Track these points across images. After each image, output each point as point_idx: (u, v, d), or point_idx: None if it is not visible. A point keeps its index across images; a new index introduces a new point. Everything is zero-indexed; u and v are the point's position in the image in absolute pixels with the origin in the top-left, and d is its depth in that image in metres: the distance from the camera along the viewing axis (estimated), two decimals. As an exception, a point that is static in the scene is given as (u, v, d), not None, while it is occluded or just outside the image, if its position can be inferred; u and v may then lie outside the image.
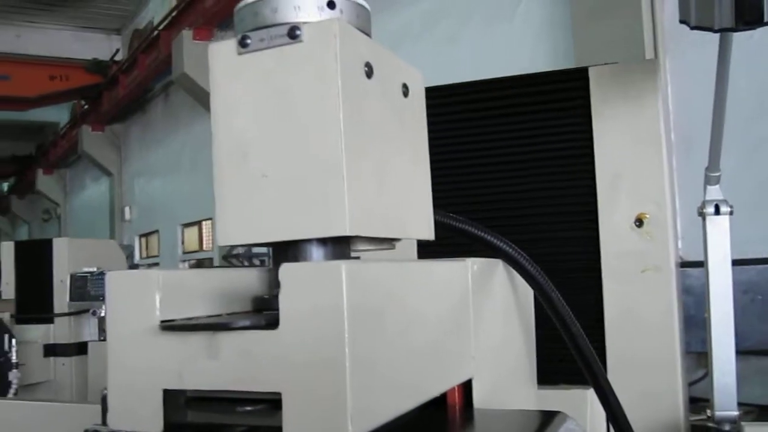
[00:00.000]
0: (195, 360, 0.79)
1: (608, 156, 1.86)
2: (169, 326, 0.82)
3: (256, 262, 12.24)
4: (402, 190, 0.97)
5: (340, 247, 0.89)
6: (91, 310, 4.89)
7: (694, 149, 5.02)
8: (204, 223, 14.98)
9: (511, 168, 1.98)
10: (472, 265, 1.09)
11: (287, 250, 0.87)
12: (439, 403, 1.02)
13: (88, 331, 5.17)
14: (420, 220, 1.03)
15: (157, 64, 14.27)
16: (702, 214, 2.12)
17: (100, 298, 4.91)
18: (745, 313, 5.05)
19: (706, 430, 3.32)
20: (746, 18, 1.46)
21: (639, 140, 1.84)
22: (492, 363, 1.15)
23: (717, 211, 2.10)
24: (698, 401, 3.12)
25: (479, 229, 1.17)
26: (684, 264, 3.74)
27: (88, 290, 4.97)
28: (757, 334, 5.02)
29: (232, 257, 12.56)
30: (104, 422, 0.88)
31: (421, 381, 0.90)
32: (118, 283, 0.84)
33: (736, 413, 2.07)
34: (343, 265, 0.73)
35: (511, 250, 1.19)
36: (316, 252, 0.87)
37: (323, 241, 0.87)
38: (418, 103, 1.04)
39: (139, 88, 16.04)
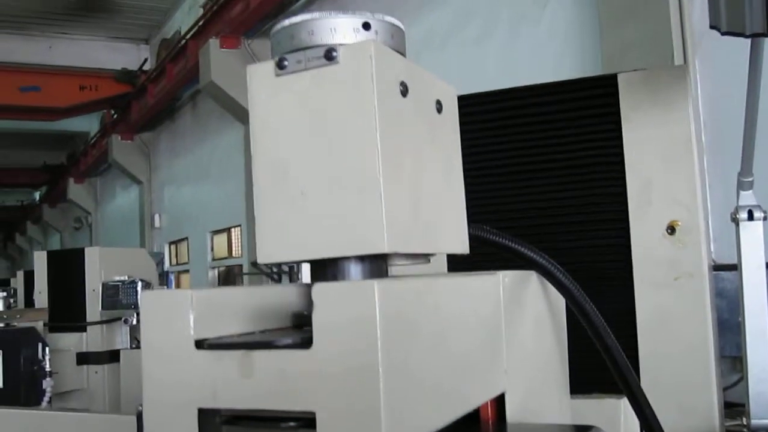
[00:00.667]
0: (229, 378, 0.79)
1: (638, 163, 1.84)
2: (203, 345, 0.82)
3: (285, 268, 12.30)
4: (436, 205, 0.98)
5: (377, 263, 0.91)
6: (122, 318, 4.94)
7: (725, 151, 4.98)
8: (233, 230, 15.07)
9: (541, 176, 1.96)
10: (503, 278, 1.09)
11: (326, 267, 0.89)
12: (472, 418, 1.02)
13: (120, 339, 5.21)
14: (454, 235, 1.04)
15: (185, 72, 14.40)
16: (735, 220, 2.10)
17: (132, 306, 4.96)
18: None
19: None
20: (778, 23, 1.45)
21: (670, 147, 1.83)
22: (524, 376, 1.14)
23: (750, 217, 2.08)
24: (733, 406, 3.08)
25: (513, 241, 1.17)
26: (717, 267, 3.70)
27: (119, 299, 5.02)
28: (792, 338, 4.95)
29: (262, 264, 12.62)
30: (140, 438, 0.89)
31: (454, 397, 0.90)
32: (152, 302, 0.85)
33: (773, 422, 2.04)
34: (375, 284, 0.73)
35: (544, 262, 1.19)
36: (354, 269, 0.88)
37: (361, 258, 0.88)
38: (451, 118, 1.05)
39: (167, 96, 16.20)
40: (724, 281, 4.46)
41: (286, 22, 0.91)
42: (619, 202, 1.87)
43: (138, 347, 5.12)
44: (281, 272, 12.32)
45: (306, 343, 0.76)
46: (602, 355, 1.24)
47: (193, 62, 13.55)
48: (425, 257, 0.99)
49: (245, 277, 13.86)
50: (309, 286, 0.91)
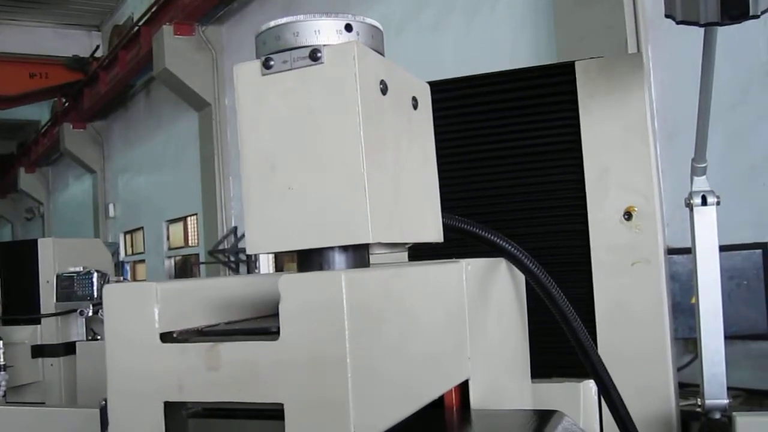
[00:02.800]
0: (195, 371, 0.79)
1: (596, 150, 1.87)
2: (168, 338, 0.82)
3: (242, 257, 12.23)
4: (414, 197, 1.02)
5: (360, 253, 0.94)
6: (78, 310, 4.87)
7: (677, 137, 5.07)
8: (189, 218, 14.93)
9: (499, 163, 1.98)
10: (466, 266, 1.10)
11: (311, 257, 0.92)
12: (437, 404, 1.03)
13: (75, 331, 5.13)
14: (430, 224, 1.09)
15: (138, 60, 14.19)
16: (689, 205, 2.13)
17: (88, 297, 4.88)
18: (731, 298, 5.10)
19: (696, 416, 3.35)
20: (731, 12, 1.47)
21: (626, 134, 1.85)
22: (488, 362, 1.15)
23: (704, 202, 2.12)
24: (686, 386, 3.14)
25: (481, 229, 1.22)
26: (669, 251, 3.76)
27: (74, 290, 4.94)
28: (744, 320, 5.07)
29: (218, 252, 12.53)
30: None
31: (420, 385, 0.90)
32: (115, 296, 0.84)
33: (725, 401, 2.09)
34: (342, 275, 0.73)
35: (513, 249, 1.23)
36: (339, 258, 0.92)
37: (345, 248, 0.91)
38: (426, 114, 1.10)
39: (120, 84, 15.95)
40: (676, 265, 4.55)
41: (272, 23, 0.94)
42: (577, 188, 1.89)
43: (94, 339, 5.05)
44: (239, 261, 12.26)
45: (273, 334, 0.76)
46: (569, 338, 1.26)
47: (146, 49, 13.35)
48: (403, 246, 1.03)
49: (202, 267, 13.75)
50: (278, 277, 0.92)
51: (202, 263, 13.51)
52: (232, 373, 0.77)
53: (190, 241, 15.08)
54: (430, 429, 0.97)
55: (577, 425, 1.05)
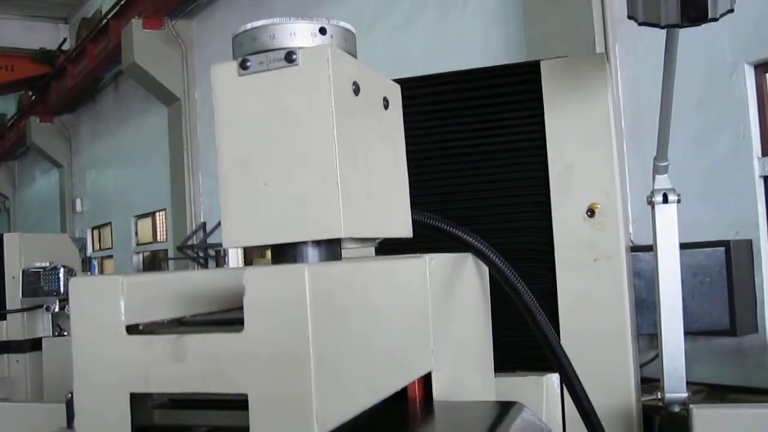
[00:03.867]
0: (161, 363, 0.80)
1: (560, 148, 1.90)
2: (134, 330, 0.83)
3: (211, 252, 12.17)
4: (385, 193, 1.06)
5: (332, 247, 0.97)
6: (44, 306, 4.82)
7: (645, 135, 5.14)
8: (158, 214, 14.83)
9: (465, 160, 2.01)
10: (429, 261, 1.12)
11: (285, 252, 0.95)
12: (400, 396, 1.05)
13: (41, 327, 5.09)
14: (400, 220, 1.12)
15: (107, 53, 14.06)
16: (651, 203, 2.17)
17: (54, 293, 4.84)
18: (695, 295, 5.19)
19: (659, 410, 3.41)
20: (691, 15, 1.51)
21: (590, 132, 1.89)
22: (451, 355, 1.18)
23: (665, 200, 2.16)
24: (649, 381, 3.20)
25: (449, 225, 1.25)
26: (635, 248, 3.83)
27: (41, 286, 4.90)
28: (707, 315, 5.16)
29: (187, 248, 12.47)
30: (69, 425, 0.89)
31: (383, 377, 0.92)
32: (81, 289, 0.85)
33: (684, 395, 2.13)
34: (306, 268, 0.75)
35: (479, 244, 1.26)
36: (312, 252, 0.95)
37: (318, 243, 0.95)
38: (396, 113, 1.13)
39: (88, 78, 15.78)
40: (641, 262, 4.62)
41: (248, 25, 0.98)
42: (541, 185, 1.93)
43: (61, 335, 5.00)
44: (207, 257, 12.20)
45: (237, 326, 0.78)
46: (535, 332, 1.29)
47: (115, 43, 13.23)
48: (374, 240, 1.06)
49: (171, 262, 13.68)
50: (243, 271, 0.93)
51: (171, 259, 13.44)
52: (198, 365, 0.79)
53: (158, 237, 14.98)
54: (393, 420, 0.99)
55: (536, 416, 1.08)
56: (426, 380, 1.11)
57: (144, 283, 0.87)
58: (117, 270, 16.48)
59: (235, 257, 12.08)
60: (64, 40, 18.24)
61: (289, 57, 0.92)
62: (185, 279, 0.96)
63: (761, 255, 5.43)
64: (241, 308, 0.78)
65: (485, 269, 1.41)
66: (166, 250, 14.11)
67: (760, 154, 5.43)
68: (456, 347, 1.22)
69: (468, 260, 1.33)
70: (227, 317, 0.91)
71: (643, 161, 4.49)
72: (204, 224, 12.59)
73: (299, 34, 0.96)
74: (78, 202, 18.32)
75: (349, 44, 1.03)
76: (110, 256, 17.14)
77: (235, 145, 0.95)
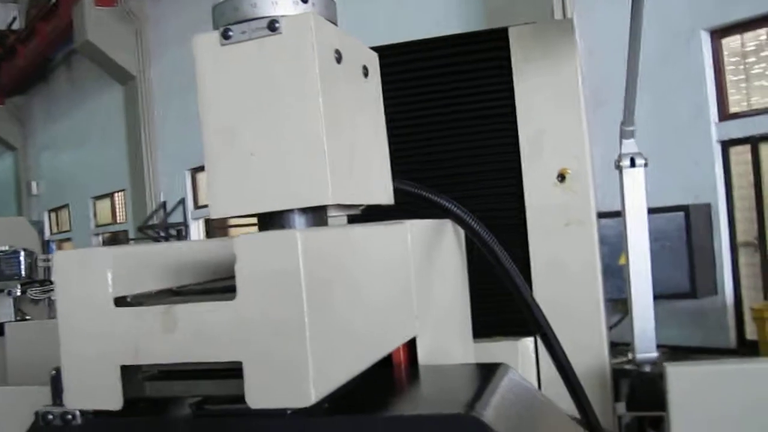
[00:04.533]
0: (151, 334, 0.80)
1: (530, 114, 1.90)
2: (123, 302, 0.82)
3: (173, 231, 12.06)
4: (368, 161, 1.06)
5: (318, 214, 0.97)
6: (6, 290, 4.75)
7: (604, 104, 5.18)
8: (116, 194, 14.63)
9: (436, 129, 2.00)
10: (411, 227, 1.12)
11: (273, 220, 0.94)
12: (385, 362, 1.05)
13: (3, 311, 5.01)
14: (382, 187, 1.13)
15: (58, 32, 13.77)
16: (619, 167, 2.20)
17: (15, 277, 4.76)
18: (656, 259, 5.27)
19: (625, 373, 3.47)
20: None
21: (559, 98, 1.89)
22: (433, 320, 1.18)
23: (633, 164, 2.19)
24: (614, 345, 3.25)
25: (429, 192, 1.26)
26: (599, 215, 3.87)
27: (2, 270, 4.82)
28: (668, 279, 5.26)
29: (148, 228, 12.34)
30: (55, 402, 0.88)
31: (372, 342, 0.93)
32: (66, 262, 0.84)
33: (655, 355, 2.18)
34: (297, 234, 0.74)
35: (458, 211, 1.27)
36: (299, 220, 0.94)
37: (304, 210, 0.94)
38: (375, 81, 1.14)
39: (39, 58, 15.45)
40: (605, 228, 4.67)
41: None
42: (511, 152, 1.93)
43: (23, 319, 4.93)
44: (169, 236, 12.09)
45: (229, 293, 0.77)
46: (514, 295, 1.30)
47: (66, 21, 12.95)
48: (357, 207, 1.07)
49: (131, 243, 13.52)
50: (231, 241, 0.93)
51: (132, 240, 13.29)
52: (189, 335, 0.78)
53: (118, 218, 14.80)
54: (383, 384, 0.99)
55: (521, 376, 1.09)
56: (409, 346, 1.11)
57: (131, 254, 0.86)
58: (76, 253, 16.20)
59: (197, 236, 11.99)
60: (14, 19, 17.79)
61: (272, 25, 0.91)
62: (172, 250, 0.96)
63: (719, 218, 5.54)
64: (231, 277, 0.78)
65: (462, 236, 1.42)
66: (126, 231, 13.95)
67: (717, 120, 5.52)
68: (438, 312, 1.23)
69: (447, 226, 1.34)
70: (217, 286, 0.91)
71: (604, 131, 4.52)
72: (164, 203, 12.46)
73: (281, 2, 0.95)
74: (34, 184, 17.99)
75: (330, 12, 1.02)
76: (69, 239, 16.89)
77: (219, 115, 0.94)
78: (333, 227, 0.95)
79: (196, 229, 12.09)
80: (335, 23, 1.02)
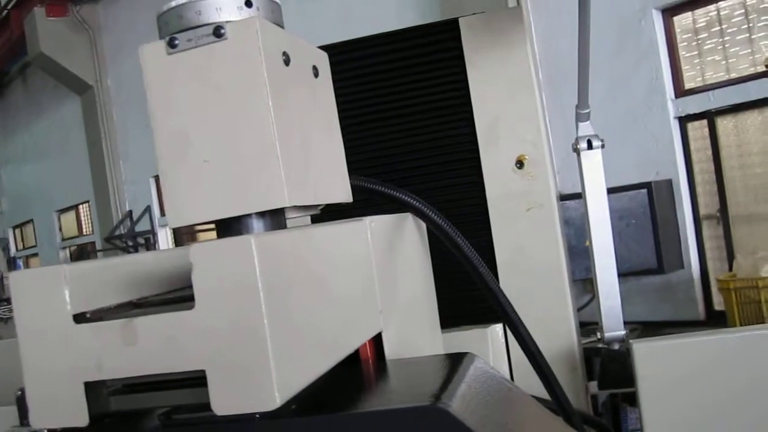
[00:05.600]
0: (113, 349, 0.80)
1: (485, 103, 1.92)
2: (82, 318, 0.82)
3: (141, 240, 11.96)
4: (323, 160, 1.06)
5: (276, 218, 0.97)
6: (-27, 310, 4.70)
7: (562, 87, 5.23)
8: (81, 206, 14.47)
9: (392, 123, 2.01)
10: (370, 223, 1.13)
11: (231, 226, 0.95)
12: (352, 359, 1.06)
13: (-29, 331, 4.95)
14: (339, 186, 1.13)
15: (11, 45, 13.56)
16: (576, 150, 2.23)
17: (-18, 295, 4.71)
18: (622, 237, 5.35)
19: (597, 352, 3.53)
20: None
21: (512, 85, 1.91)
22: (399, 314, 1.20)
23: (590, 146, 2.22)
24: (585, 325, 3.30)
25: (387, 187, 1.28)
26: (561, 197, 3.92)
27: (-33, 290, 4.76)
28: (635, 256, 5.33)
29: (115, 238, 12.22)
30: (22, 423, 0.88)
31: (336, 340, 0.93)
32: (22, 282, 0.83)
33: (623, 332, 2.21)
34: (252, 239, 0.75)
35: (418, 204, 1.29)
36: (257, 225, 0.95)
37: (262, 215, 0.95)
38: (326, 81, 1.14)
39: (-7, 72, 15.18)
40: (569, 210, 4.73)
41: (173, 3, 0.96)
42: (469, 141, 1.95)
43: (-7, 338, 4.86)
44: (137, 245, 11.98)
45: (187, 303, 0.77)
46: (478, 284, 1.32)
47: (18, 33, 12.75)
48: (315, 208, 1.08)
49: (99, 254, 13.39)
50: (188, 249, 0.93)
51: (99, 251, 13.16)
52: (151, 346, 0.78)
53: (84, 230, 14.64)
54: (350, 381, 1.00)
55: (487, 364, 1.10)
56: (376, 341, 1.12)
57: (88, 269, 0.86)
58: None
59: (165, 243, 11.89)
60: (-37, 34, 17.49)
61: (218, 32, 0.91)
62: (130, 263, 0.95)
63: (681, 193, 5.61)
64: (191, 286, 0.78)
65: (424, 228, 1.43)
66: (93, 243, 13.81)
67: (673, 96, 5.59)
68: (403, 306, 1.24)
69: (407, 220, 1.35)
70: (177, 296, 0.91)
71: (561, 112, 4.57)
72: (130, 212, 12.35)
73: (225, 8, 0.95)
74: (-5, 201, 17.74)
75: (276, 15, 1.02)
76: (35, 254, 16.68)
77: (171, 124, 0.93)
78: (290, 229, 0.95)
79: (164, 237, 12.01)
80: (282, 26, 1.03)
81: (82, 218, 14.61)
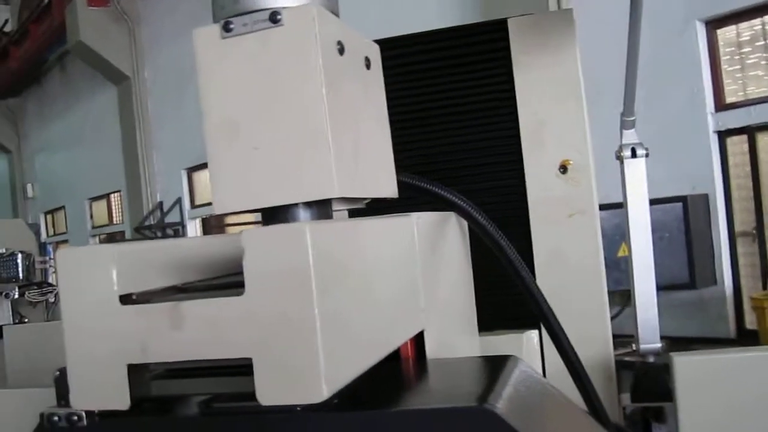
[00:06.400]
0: (158, 332, 0.78)
1: (531, 106, 1.90)
2: (129, 300, 0.80)
3: (170, 231, 12.05)
4: (371, 153, 1.04)
5: (323, 208, 0.95)
6: (3, 293, 4.73)
7: (600, 95, 5.17)
8: (113, 195, 14.60)
9: (434, 122, 1.99)
10: (416, 219, 1.11)
11: (277, 215, 0.93)
12: (393, 357, 1.04)
13: (1, 314, 4.99)
14: (386, 180, 1.11)
15: (51, 33, 13.72)
16: (620, 158, 2.19)
17: (13, 279, 4.74)
18: (655, 251, 5.27)
19: (625, 367, 3.46)
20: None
21: (559, 89, 1.88)
22: (440, 313, 1.17)
23: (634, 154, 2.18)
24: (613, 337, 3.25)
25: (434, 185, 1.25)
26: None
27: (-1, 273, 4.80)
28: (667, 270, 5.25)
29: (144, 228, 12.31)
30: (59, 404, 0.87)
31: (382, 336, 0.92)
32: (70, 260, 0.82)
33: (659, 345, 2.17)
34: (306, 227, 0.73)
35: (464, 204, 1.26)
36: (303, 214, 0.93)
37: (308, 204, 0.93)
38: (377, 73, 1.13)
39: (32, 59, 15.40)
40: (601, 220, 4.68)
41: None
42: (513, 143, 1.92)
43: (21, 322, 4.90)
44: (166, 236, 12.07)
45: (237, 289, 0.76)
46: (520, 289, 1.30)
47: (59, 22, 12.90)
48: (361, 201, 1.05)
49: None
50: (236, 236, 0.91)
51: (129, 240, 13.26)
52: (197, 331, 0.77)
53: (114, 219, 14.77)
54: (393, 379, 0.98)
55: (532, 368, 1.08)
56: (416, 340, 1.10)
57: (135, 251, 0.85)
58: (73, 254, 16.18)
59: (193, 232, 11.96)
60: (6, 21, 17.72)
61: (274, 17, 0.90)
62: (177, 246, 0.94)
63: (717, 209, 5.53)
64: (237, 273, 0.76)
65: (467, 229, 1.41)
66: (123, 232, 13.92)
67: (713, 110, 5.51)
68: (445, 306, 1.22)
69: (451, 219, 1.33)
70: (223, 282, 0.89)
71: (599, 121, 4.50)
72: (161, 203, 12.44)
73: None
74: (29, 187, 17.95)
75: (332, 3, 1.00)
76: (65, 241, 16.86)
77: (221, 110, 0.92)
78: (341, 220, 0.94)
79: (193, 229, 12.08)
80: (337, 14, 1.01)
81: (113, 207, 14.74)
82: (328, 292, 0.75)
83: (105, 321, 0.80)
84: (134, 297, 0.82)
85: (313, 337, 0.73)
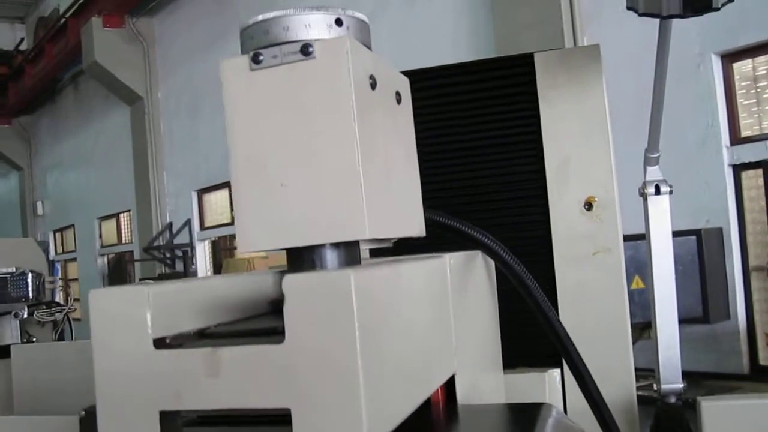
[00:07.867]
0: (194, 378, 0.76)
1: (556, 141, 1.88)
2: (161, 344, 0.78)
3: (179, 252, 12.03)
4: (401, 191, 1.02)
5: (351, 249, 0.93)
6: (12, 312, 4.71)
7: (617, 128, 5.16)
8: (122, 215, 14.62)
9: (461, 156, 1.97)
10: (450, 260, 1.09)
11: (303, 255, 0.90)
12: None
13: (9, 333, 4.97)
14: (414, 219, 1.08)
15: (66, 53, 13.84)
16: (643, 195, 2.16)
17: (22, 299, 4.73)
18: (669, 284, 5.24)
19: (645, 403, 3.41)
20: (695, 5, 1.49)
21: (585, 124, 1.87)
22: (471, 355, 1.15)
23: (657, 191, 2.16)
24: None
25: (461, 224, 1.23)
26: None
27: (8, 292, 4.78)
28: (680, 304, 5.18)
29: (153, 249, 12.31)
30: (85, 445, 0.84)
31: (420, 380, 0.89)
32: (102, 301, 0.80)
33: (681, 386, 2.13)
34: (351, 274, 0.71)
35: (490, 242, 1.24)
36: (330, 255, 0.90)
37: (336, 245, 0.90)
38: (407, 108, 1.10)
39: (47, 78, 15.51)
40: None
41: (260, 17, 0.92)
42: (537, 179, 1.90)
43: (29, 341, 4.88)
44: (174, 257, 12.06)
45: (278, 335, 0.74)
46: (545, 328, 1.27)
47: (74, 42, 13.01)
48: (389, 240, 1.02)
49: (137, 264, 13.50)
50: (280, 276, 0.89)
51: (137, 260, 13.26)
52: (234, 379, 0.74)
53: (123, 238, 14.78)
54: (426, 428, 0.96)
55: (565, 416, 1.05)
56: (448, 383, 1.08)
57: (168, 292, 0.83)
58: (81, 273, 16.24)
59: (203, 257, 11.96)
60: (21, 40, 17.88)
61: (306, 50, 0.87)
62: (209, 287, 0.92)
63: (731, 242, 5.49)
64: (267, 314, 0.74)
65: (493, 267, 1.39)
66: (131, 252, 13.93)
67: (728, 143, 5.49)
68: (474, 347, 1.20)
69: (478, 258, 1.31)
70: (257, 327, 0.87)
71: (616, 154, 4.49)
72: (170, 224, 12.44)
73: (314, 25, 0.91)
74: (39, 204, 18.00)
75: (364, 35, 0.98)
76: (74, 259, 16.87)
77: (248, 143, 0.89)
78: (380, 264, 0.91)
79: (202, 251, 12.07)
80: (369, 47, 0.98)
81: (123, 227, 14.76)
82: (370, 340, 0.73)
83: (138, 365, 0.78)
84: (168, 341, 0.80)
85: (356, 387, 0.70)
